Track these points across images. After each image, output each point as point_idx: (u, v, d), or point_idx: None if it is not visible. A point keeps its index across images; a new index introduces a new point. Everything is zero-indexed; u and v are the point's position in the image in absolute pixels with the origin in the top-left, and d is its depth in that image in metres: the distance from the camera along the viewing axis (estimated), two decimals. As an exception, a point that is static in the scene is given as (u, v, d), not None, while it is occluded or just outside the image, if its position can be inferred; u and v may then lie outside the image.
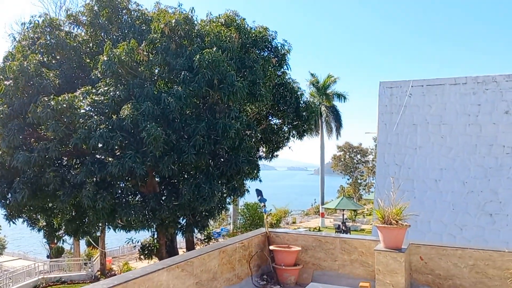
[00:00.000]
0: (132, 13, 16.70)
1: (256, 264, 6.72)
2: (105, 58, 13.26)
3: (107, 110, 12.79)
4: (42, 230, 20.24)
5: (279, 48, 17.56)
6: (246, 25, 16.97)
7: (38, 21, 16.33)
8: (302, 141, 23.37)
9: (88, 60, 16.29)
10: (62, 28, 16.61)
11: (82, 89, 13.45)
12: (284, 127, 22.33)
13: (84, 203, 12.71)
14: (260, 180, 23.60)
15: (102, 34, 16.30)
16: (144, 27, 15.81)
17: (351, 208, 40.80)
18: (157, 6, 17.38)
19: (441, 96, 11.19)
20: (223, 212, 29.19)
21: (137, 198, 14.52)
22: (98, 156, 13.44)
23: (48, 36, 15.83)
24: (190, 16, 15.01)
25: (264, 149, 23.66)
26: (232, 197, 16.42)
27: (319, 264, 6.61)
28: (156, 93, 13.47)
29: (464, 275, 5.51)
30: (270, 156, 23.54)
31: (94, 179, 12.88)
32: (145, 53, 13.99)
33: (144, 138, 11.91)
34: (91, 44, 16.60)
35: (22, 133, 13.66)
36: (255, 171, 16.23)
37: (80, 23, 16.32)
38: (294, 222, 49.61)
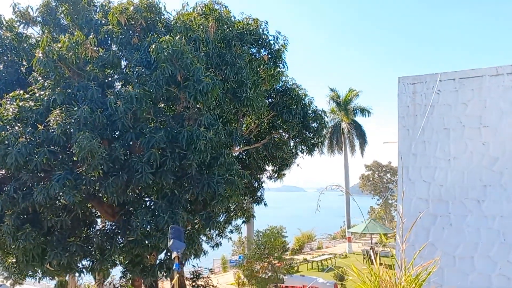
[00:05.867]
0: (97, 7, 13.97)
1: None
2: (40, 55, 10.45)
3: (34, 119, 9.85)
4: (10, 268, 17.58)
5: (272, 42, 14.30)
6: (231, 16, 13.90)
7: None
8: (312, 157, 19.98)
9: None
10: (15, 29, 14.04)
11: (11, 94, 10.63)
12: (290, 141, 19.02)
13: (7, 241, 9.68)
14: (265, 204, 20.27)
15: (58, 31, 13.57)
16: (104, 21, 13.02)
17: (379, 232, 36.69)
18: None
19: (479, 91, 8.83)
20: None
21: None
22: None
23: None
24: (155, 3, 12.11)
25: (270, 168, 20.42)
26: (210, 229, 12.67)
27: None
28: (106, 95, 10.48)
29: None
30: (275, 175, 20.23)
31: (18, 210, 9.84)
32: (94, 48, 11.11)
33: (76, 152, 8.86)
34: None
35: None
36: (242, 193, 12.85)
37: (31, 21, 13.66)
38: (319, 248, 45.66)
